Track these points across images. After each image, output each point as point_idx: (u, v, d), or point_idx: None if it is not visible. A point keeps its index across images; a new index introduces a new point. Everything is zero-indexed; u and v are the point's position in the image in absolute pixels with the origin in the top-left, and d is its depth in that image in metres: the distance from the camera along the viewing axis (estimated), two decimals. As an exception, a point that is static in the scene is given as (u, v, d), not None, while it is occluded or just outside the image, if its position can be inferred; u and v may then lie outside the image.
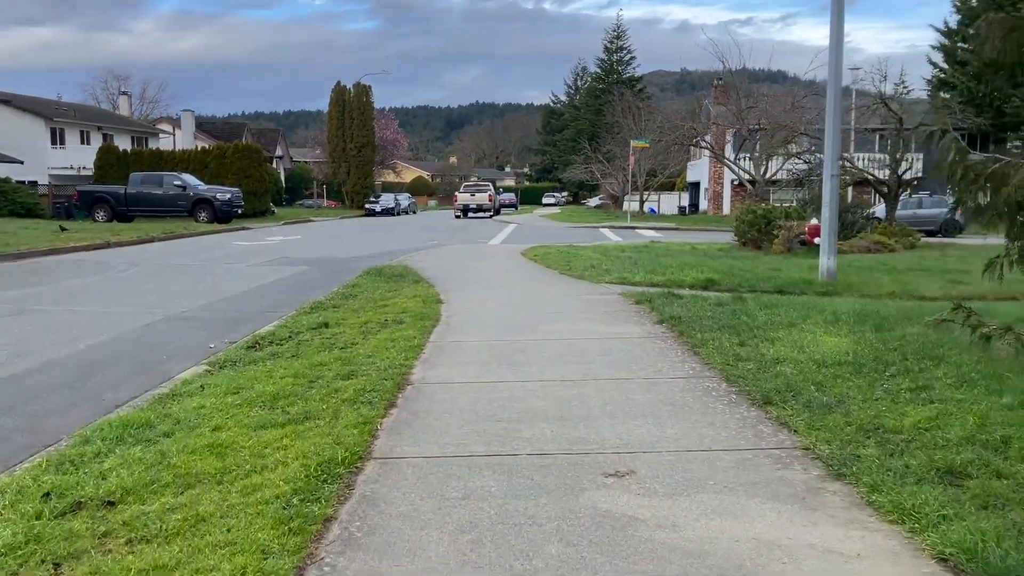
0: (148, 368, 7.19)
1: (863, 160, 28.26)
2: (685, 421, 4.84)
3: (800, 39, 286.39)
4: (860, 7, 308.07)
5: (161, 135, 61.27)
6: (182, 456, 4.27)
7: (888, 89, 23.27)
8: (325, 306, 9.84)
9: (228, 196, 36.44)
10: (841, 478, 3.90)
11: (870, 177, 21.04)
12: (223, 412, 5.10)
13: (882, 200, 24.90)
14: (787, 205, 19.52)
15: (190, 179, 37.63)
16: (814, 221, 17.03)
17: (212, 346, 8.12)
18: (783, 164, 37.29)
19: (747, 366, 6.10)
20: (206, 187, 37.41)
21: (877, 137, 30.52)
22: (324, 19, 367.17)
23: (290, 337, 7.79)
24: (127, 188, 36.59)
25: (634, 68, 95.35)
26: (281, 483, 3.82)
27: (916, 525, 3.32)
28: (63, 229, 26.40)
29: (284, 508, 3.54)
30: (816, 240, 16.72)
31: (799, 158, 23.55)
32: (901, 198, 28.91)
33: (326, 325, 8.30)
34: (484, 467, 4.12)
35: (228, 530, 3.34)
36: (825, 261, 12.26)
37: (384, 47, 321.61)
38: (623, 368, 6.28)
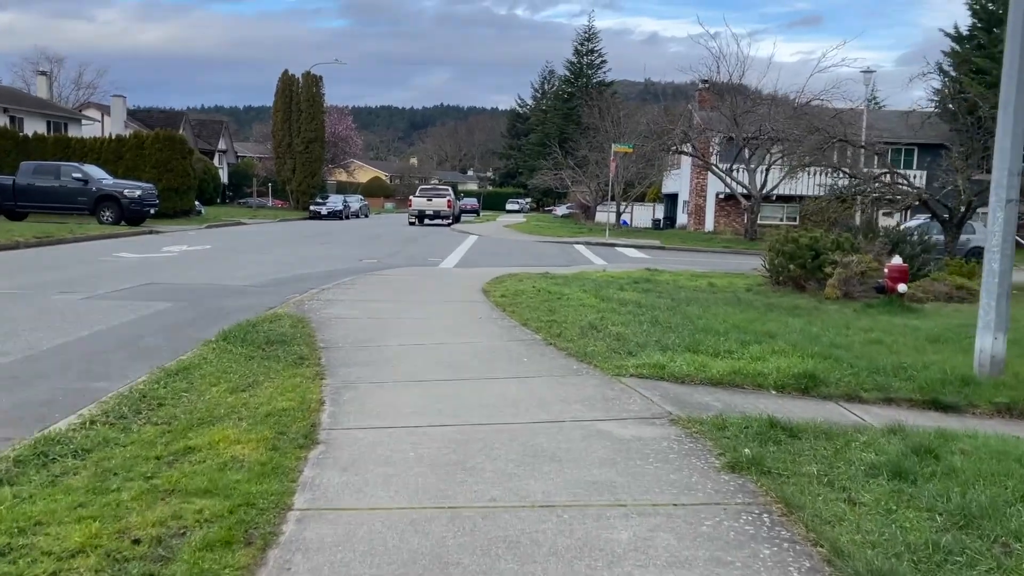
0: None
1: (919, 178, 23.82)
2: None
3: (767, 55, 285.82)
4: (825, 27, 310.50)
5: (85, 122, 54.85)
6: None
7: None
8: (59, 452, 4.59)
9: (138, 193, 30.73)
10: None
11: (927, 198, 16.42)
12: None
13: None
14: (838, 234, 14.66)
15: (94, 171, 31.80)
16: (896, 260, 12.19)
17: None
18: (783, 177, 32.71)
19: None
20: (113, 182, 31.65)
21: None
22: (294, 16, 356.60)
23: None
24: (15, 179, 30.68)
25: (604, 72, 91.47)
26: None
27: None
28: None
29: None
30: (900, 288, 11.91)
31: (843, 172, 18.82)
32: (921, 219, 24.44)
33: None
34: None
35: None
36: (989, 343, 7.32)
37: (354, 46, 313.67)
38: None
